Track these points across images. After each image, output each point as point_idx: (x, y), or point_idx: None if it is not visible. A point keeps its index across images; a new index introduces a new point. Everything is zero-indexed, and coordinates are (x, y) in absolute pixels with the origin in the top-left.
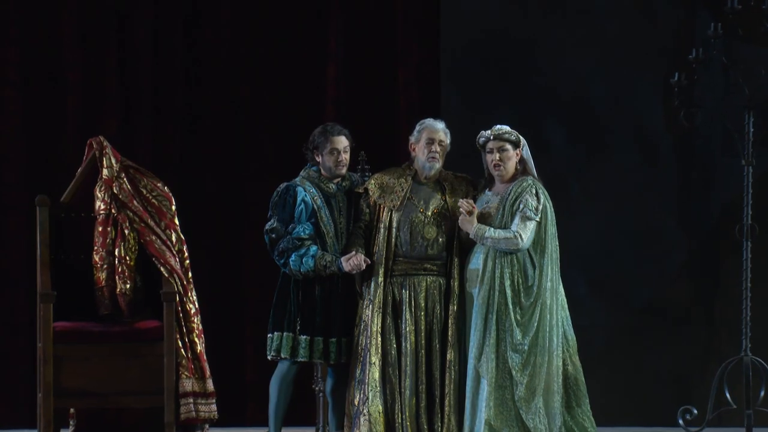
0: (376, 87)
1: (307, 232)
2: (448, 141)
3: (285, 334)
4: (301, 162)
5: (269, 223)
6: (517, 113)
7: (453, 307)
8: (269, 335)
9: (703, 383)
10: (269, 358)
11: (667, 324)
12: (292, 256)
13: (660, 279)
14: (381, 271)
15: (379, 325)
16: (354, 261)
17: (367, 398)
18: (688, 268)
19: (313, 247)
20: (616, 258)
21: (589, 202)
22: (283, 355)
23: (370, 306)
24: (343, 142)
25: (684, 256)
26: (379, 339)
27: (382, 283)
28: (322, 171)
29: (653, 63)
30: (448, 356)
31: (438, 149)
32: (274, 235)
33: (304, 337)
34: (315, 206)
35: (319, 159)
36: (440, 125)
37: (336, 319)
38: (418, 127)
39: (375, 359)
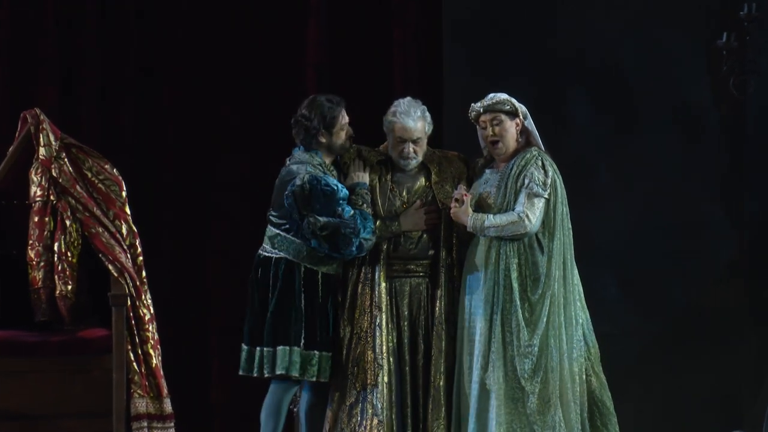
0: (366, 49)
1: (352, 210)
2: (428, 130)
3: (293, 348)
4: (276, 139)
5: (311, 222)
6: (534, 83)
7: (439, 313)
8: (267, 349)
9: (756, 403)
10: (268, 375)
11: (713, 332)
12: (365, 230)
13: (704, 279)
14: (381, 271)
15: (384, 337)
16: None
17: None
18: (738, 267)
19: (356, 211)
20: (652, 254)
21: (620, 189)
22: (293, 374)
23: (363, 311)
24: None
25: (733, 253)
26: (383, 350)
27: (385, 286)
28: (326, 156)
29: (696, 21)
30: (433, 379)
31: (412, 149)
32: (326, 232)
33: (313, 352)
34: None
35: (324, 140)
36: (412, 122)
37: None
38: (389, 116)
39: (383, 378)
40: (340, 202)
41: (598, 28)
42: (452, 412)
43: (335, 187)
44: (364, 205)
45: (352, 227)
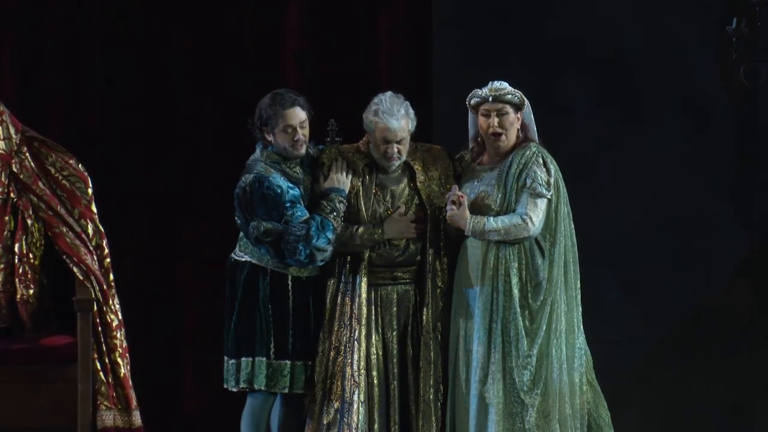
0: (351, 37)
1: (306, 213)
2: (411, 128)
3: (257, 359)
4: (250, 132)
5: (255, 227)
6: (530, 72)
7: (426, 322)
8: (231, 360)
9: None
10: (231, 388)
11: (722, 338)
12: (320, 239)
13: (712, 281)
14: (363, 280)
15: (363, 352)
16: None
17: None
18: (748, 268)
19: (317, 216)
20: (657, 255)
21: (623, 185)
22: (257, 386)
23: (343, 323)
24: (298, 115)
25: (743, 253)
26: (361, 366)
27: (366, 297)
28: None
29: (704, 6)
30: (422, 393)
31: (397, 149)
32: (270, 239)
33: (285, 362)
34: None
35: (270, 138)
36: (396, 122)
37: (315, 337)
38: (371, 116)
39: (359, 397)
40: (287, 205)
41: (599, 12)
42: (445, 427)
43: (279, 190)
44: (332, 214)
45: (298, 234)
